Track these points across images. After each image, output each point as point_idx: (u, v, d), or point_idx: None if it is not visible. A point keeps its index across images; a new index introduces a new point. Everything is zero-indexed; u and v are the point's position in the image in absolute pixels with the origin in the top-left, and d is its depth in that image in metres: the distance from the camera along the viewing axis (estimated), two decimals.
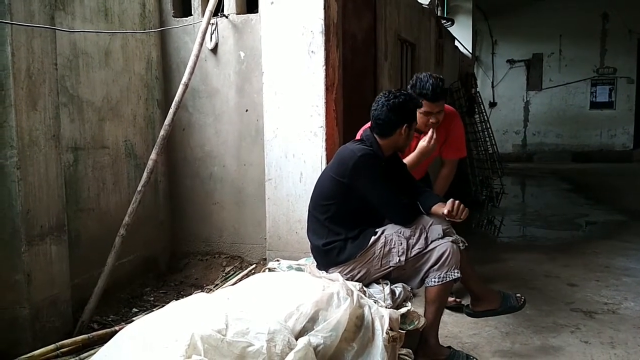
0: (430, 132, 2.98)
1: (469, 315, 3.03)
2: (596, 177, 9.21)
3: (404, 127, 2.55)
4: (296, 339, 1.72)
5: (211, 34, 3.77)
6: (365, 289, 2.32)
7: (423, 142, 3.00)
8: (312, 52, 3.37)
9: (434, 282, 2.47)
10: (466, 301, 3.10)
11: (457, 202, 2.45)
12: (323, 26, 3.33)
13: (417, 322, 2.34)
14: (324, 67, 3.36)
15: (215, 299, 1.81)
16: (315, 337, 1.75)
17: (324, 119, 3.38)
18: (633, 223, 5.66)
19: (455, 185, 3.55)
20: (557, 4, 11.12)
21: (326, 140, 3.39)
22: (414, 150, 3.07)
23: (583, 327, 2.94)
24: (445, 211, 2.44)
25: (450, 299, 3.14)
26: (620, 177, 9.28)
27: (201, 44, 3.51)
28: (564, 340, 2.78)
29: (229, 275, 3.45)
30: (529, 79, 12.00)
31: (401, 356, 2.10)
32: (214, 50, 3.82)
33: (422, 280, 2.53)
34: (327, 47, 3.37)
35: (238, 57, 3.77)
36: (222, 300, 1.79)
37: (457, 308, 3.13)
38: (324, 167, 3.31)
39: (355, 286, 2.12)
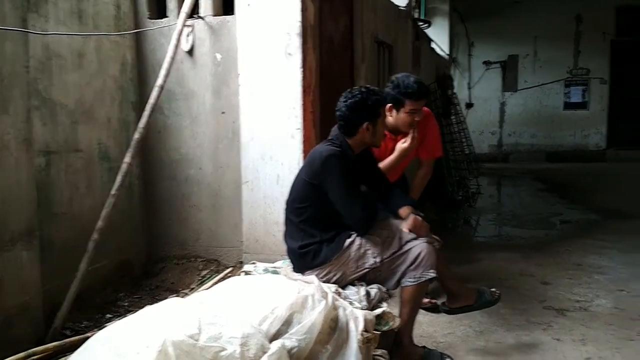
0: (411, 132, 3.01)
1: (445, 312, 3.06)
2: (570, 177, 9.39)
3: (366, 124, 2.55)
4: (270, 343, 1.72)
5: (187, 36, 3.74)
6: (340, 290, 2.33)
7: (403, 144, 3.02)
8: (289, 54, 3.37)
9: (410, 282, 2.49)
10: (441, 300, 3.13)
11: (419, 219, 2.48)
12: (300, 28, 3.34)
13: (392, 322, 2.36)
14: (301, 69, 3.36)
15: (189, 304, 1.80)
16: (290, 340, 1.76)
17: (301, 121, 3.38)
18: (606, 222, 5.78)
19: (432, 185, 3.58)
20: (532, 6, 11.29)
21: (303, 142, 3.39)
22: (391, 152, 3.09)
23: (555, 325, 3.00)
24: (406, 229, 2.48)
25: (425, 300, 3.17)
26: (593, 176, 9.47)
27: (176, 46, 3.49)
28: (537, 338, 2.83)
29: (205, 279, 3.43)
30: (505, 80, 12.17)
31: (376, 357, 2.12)
32: (190, 52, 3.79)
33: (398, 281, 2.55)
34: (304, 49, 3.38)
35: (214, 59, 3.75)
36: (195, 304, 1.78)
37: (432, 309, 3.16)
38: None
39: (330, 288, 2.12)
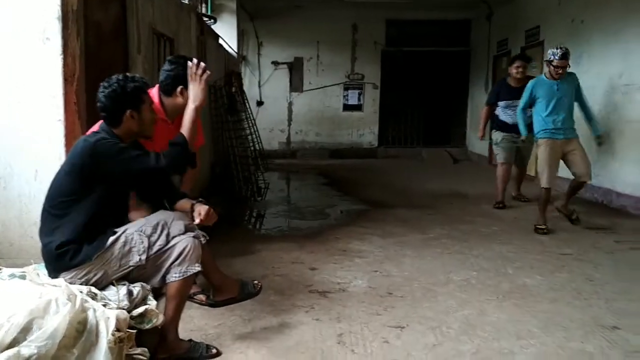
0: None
1: (211, 305, 3.15)
2: (347, 172, 10.30)
3: (129, 112, 2.51)
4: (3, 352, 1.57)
5: None
6: (98, 291, 2.23)
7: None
8: (47, 38, 3.12)
9: (175, 277, 2.49)
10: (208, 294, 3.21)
11: (209, 208, 2.52)
12: (60, 12, 3.11)
13: (155, 319, 2.34)
14: (62, 56, 3.14)
15: None
16: (28, 348, 1.63)
17: (63, 111, 3.16)
18: (372, 211, 6.46)
19: (220, 182, 3.62)
20: (314, 12, 12.07)
21: (66, 134, 3.17)
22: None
23: (317, 306, 3.28)
24: (197, 221, 2.53)
25: (201, 295, 3.22)
26: (366, 171, 10.54)
27: None
28: (299, 320, 3.07)
29: None
30: (292, 80, 12.85)
31: (135, 356, 2.08)
32: None
33: (164, 277, 2.53)
34: (65, 35, 3.15)
35: None
36: None
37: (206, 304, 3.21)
38: None
39: (81, 290, 2.01)
